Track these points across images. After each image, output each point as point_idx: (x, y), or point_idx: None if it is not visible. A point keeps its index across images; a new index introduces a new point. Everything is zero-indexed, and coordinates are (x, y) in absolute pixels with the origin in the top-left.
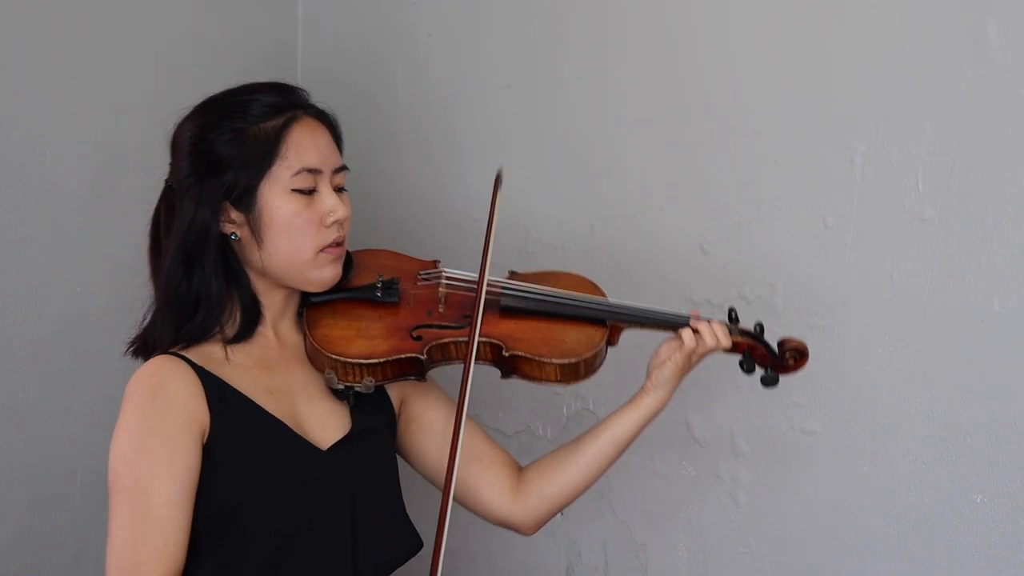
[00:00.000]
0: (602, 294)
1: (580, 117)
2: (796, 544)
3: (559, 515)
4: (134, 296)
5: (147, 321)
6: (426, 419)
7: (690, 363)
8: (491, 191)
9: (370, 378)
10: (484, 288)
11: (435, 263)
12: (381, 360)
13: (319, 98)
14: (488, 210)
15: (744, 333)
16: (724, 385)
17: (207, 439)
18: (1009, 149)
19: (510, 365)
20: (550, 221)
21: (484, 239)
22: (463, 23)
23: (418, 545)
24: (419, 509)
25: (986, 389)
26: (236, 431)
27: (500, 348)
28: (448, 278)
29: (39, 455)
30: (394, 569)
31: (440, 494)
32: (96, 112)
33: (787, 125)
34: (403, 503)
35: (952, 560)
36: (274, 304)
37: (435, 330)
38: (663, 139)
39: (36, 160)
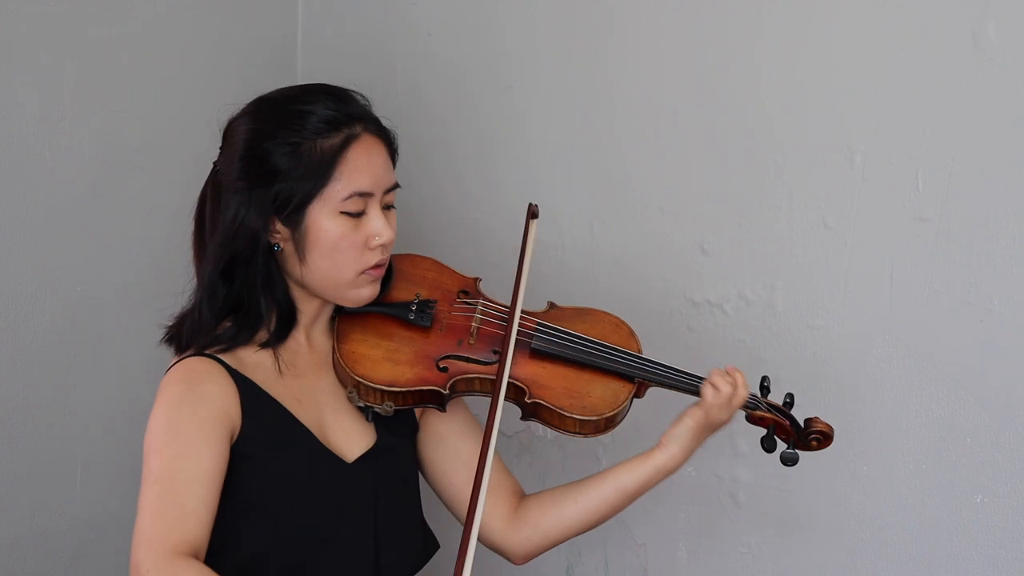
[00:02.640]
0: (637, 343)
1: (580, 117)
2: (796, 544)
3: None
4: (135, 296)
5: (186, 310)
6: (441, 432)
7: (709, 420)
8: (524, 224)
9: (390, 403)
10: (514, 334)
11: (475, 281)
12: (403, 389)
13: None
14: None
15: (773, 408)
16: None
17: (237, 439)
18: (1009, 149)
19: (531, 410)
20: (550, 221)
21: (515, 278)
22: (463, 23)
23: (435, 547)
24: (427, 506)
25: (986, 389)
26: (265, 435)
27: (524, 392)
28: (484, 308)
29: (39, 455)
30: (415, 572)
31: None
32: (96, 112)
33: (787, 125)
34: (421, 510)
35: (952, 560)
36: (309, 311)
37: (463, 363)
38: (663, 139)
39: (36, 160)
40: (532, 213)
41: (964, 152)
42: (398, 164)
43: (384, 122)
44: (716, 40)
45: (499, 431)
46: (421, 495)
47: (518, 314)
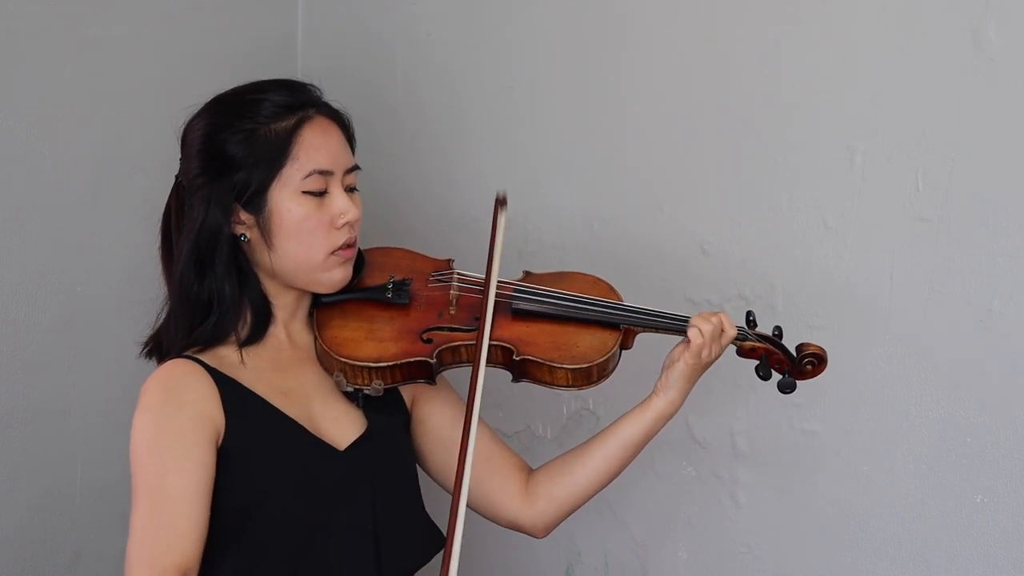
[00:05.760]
0: (617, 296)
1: (580, 117)
2: (796, 544)
3: None
4: (135, 296)
5: (160, 321)
6: (433, 423)
7: (700, 362)
8: (492, 213)
9: (379, 381)
10: (492, 295)
11: (449, 262)
12: (390, 363)
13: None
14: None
15: (762, 338)
16: (724, 385)
17: (223, 441)
18: (1009, 149)
19: (521, 369)
20: (550, 221)
21: (488, 254)
22: (463, 23)
23: (442, 541)
24: (433, 506)
25: (986, 389)
26: (252, 433)
27: (511, 352)
28: (460, 279)
29: (39, 455)
30: (419, 567)
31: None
32: (96, 112)
33: (787, 125)
34: (422, 501)
35: (952, 560)
36: (285, 305)
37: (445, 333)
38: (663, 139)
39: (36, 160)
40: (501, 202)
41: (964, 152)
42: (396, 162)
43: (336, 105)
44: (716, 41)
45: (499, 431)
46: (422, 494)
47: (495, 275)
